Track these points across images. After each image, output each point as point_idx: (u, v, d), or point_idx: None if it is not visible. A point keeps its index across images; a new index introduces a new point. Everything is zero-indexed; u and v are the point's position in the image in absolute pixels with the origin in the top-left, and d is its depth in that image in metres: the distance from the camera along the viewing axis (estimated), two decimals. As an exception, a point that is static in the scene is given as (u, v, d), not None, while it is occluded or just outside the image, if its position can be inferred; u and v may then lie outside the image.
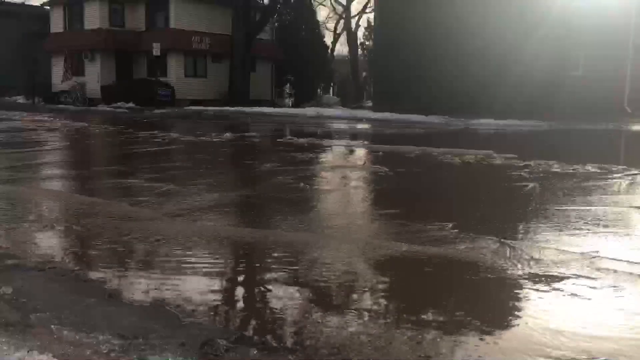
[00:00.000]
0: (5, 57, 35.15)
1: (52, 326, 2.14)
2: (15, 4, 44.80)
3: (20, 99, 33.58)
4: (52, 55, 33.91)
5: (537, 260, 3.15)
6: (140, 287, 2.70)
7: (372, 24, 37.38)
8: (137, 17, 32.36)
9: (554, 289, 2.70)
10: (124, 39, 31.47)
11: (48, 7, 35.51)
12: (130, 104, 27.68)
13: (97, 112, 23.96)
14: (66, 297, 2.50)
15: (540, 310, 2.49)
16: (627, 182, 6.32)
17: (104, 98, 29.77)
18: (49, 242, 3.59)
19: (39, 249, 3.37)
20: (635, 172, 6.89)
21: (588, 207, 4.72)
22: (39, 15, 36.19)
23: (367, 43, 46.40)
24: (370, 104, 32.25)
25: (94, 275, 2.87)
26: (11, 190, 5.26)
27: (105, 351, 1.97)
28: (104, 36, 31.01)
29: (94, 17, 31.72)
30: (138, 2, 32.13)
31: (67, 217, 4.27)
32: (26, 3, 46.86)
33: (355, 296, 2.68)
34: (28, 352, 1.91)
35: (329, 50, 45.81)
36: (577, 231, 3.90)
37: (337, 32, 49.18)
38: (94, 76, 31.46)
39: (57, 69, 33.09)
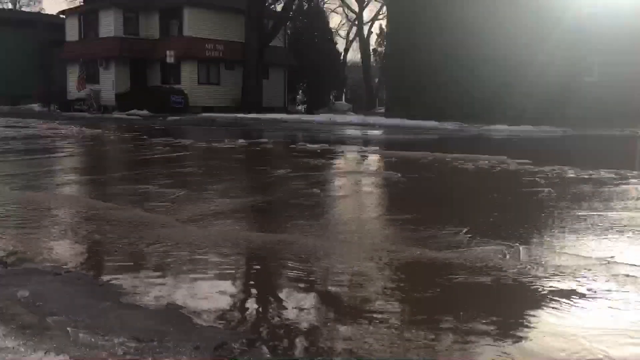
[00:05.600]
0: (21, 66, 35.63)
1: (68, 329, 2.16)
2: (31, 13, 45.51)
3: (36, 107, 34.00)
4: (67, 64, 34.30)
5: (552, 266, 3.13)
6: (154, 291, 2.72)
7: (385, 30, 37.45)
8: (151, 25, 32.67)
9: (568, 295, 2.68)
10: (138, 47, 31.78)
11: (63, 16, 35.95)
12: (144, 111, 27.91)
13: (112, 119, 24.17)
14: (82, 301, 2.52)
15: (554, 316, 2.47)
16: (643, 187, 6.26)
17: (119, 105, 30.06)
18: (65, 247, 3.62)
19: (55, 253, 3.40)
20: (651, 177, 6.82)
21: (603, 213, 4.68)
22: (55, 24, 36.66)
23: (379, 49, 46.46)
24: (382, 110, 32.25)
25: (110, 279, 2.89)
26: (28, 196, 5.32)
27: (120, 353, 1.99)
28: (118, 44, 31.34)
29: (108, 26, 32.08)
30: (152, 11, 32.45)
31: (82, 222, 4.30)
32: (42, 12, 47.59)
33: (369, 301, 2.67)
34: (45, 353, 1.93)
35: (341, 57, 45.93)
36: (592, 236, 3.87)
37: (350, 38, 49.34)
38: (109, 84, 31.77)
39: (73, 77, 33.47)
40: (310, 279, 2.96)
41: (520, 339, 2.24)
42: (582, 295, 2.67)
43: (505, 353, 2.08)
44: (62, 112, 30.31)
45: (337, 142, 13.19)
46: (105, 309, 2.42)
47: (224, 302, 2.62)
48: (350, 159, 9.98)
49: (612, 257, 3.27)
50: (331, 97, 42.50)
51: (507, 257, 3.29)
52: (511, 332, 2.28)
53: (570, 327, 2.34)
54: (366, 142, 14.81)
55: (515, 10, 20.83)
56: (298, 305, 2.58)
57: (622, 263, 3.15)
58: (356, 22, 47.02)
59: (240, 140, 12.29)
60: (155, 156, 9.67)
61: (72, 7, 35.77)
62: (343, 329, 2.30)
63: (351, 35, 49.40)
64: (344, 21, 49.94)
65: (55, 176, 7.16)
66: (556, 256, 3.33)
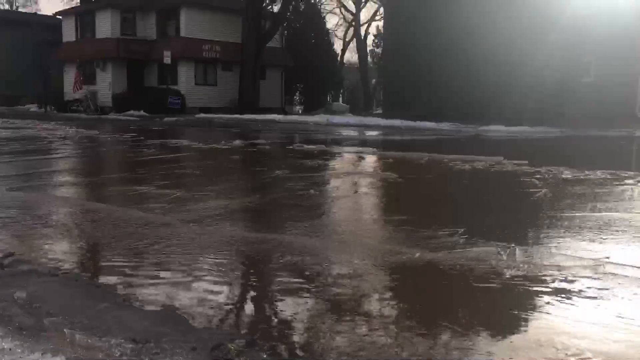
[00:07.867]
0: (18, 66, 35.58)
1: (65, 330, 2.16)
2: (27, 14, 45.43)
3: (33, 108, 33.93)
4: (64, 64, 34.24)
5: (548, 267, 3.14)
6: (151, 292, 2.72)
7: (382, 31, 37.48)
8: (148, 25, 32.64)
9: (565, 295, 2.69)
10: (135, 48, 31.73)
11: (60, 17, 35.88)
12: (141, 112, 27.88)
13: (109, 120, 24.14)
14: (79, 302, 2.53)
15: (550, 316, 2.48)
16: (638, 188, 6.28)
17: (116, 106, 30.01)
18: (62, 248, 3.62)
19: (52, 254, 3.40)
20: (647, 178, 6.84)
21: (599, 214, 4.69)
22: (51, 25, 36.60)
23: (376, 50, 46.49)
24: (380, 111, 32.28)
25: (107, 280, 2.90)
26: (25, 197, 5.32)
27: (117, 354, 1.99)
28: (115, 45, 31.27)
29: (105, 26, 32.02)
30: (149, 11, 32.41)
31: (79, 224, 4.30)
32: (38, 13, 47.52)
33: (365, 302, 2.68)
34: (41, 355, 1.93)
35: (339, 58, 45.96)
36: (588, 237, 3.88)
37: (347, 39, 49.34)
38: (106, 84, 31.72)
39: (69, 78, 33.40)
40: (307, 280, 2.97)
41: (514, 339, 2.25)
42: (576, 296, 2.68)
43: (499, 352, 2.09)
44: (58, 113, 30.25)
45: (334, 143, 13.20)
46: (102, 310, 2.42)
47: (221, 303, 2.63)
48: (347, 160, 9.99)
49: (607, 257, 3.29)
50: (328, 98, 42.51)
51: (503, 257, 3.30)
52: (505, 332, 2.29)
53: (564, 327, 2.35)
54: (363, 143, 14.82)
55: (512, 11, 20.88)
56: (295, 306, 2.59)
57: (617, 264, 3.17)
58: (353, 23, 47.03)
59: (237, 141, 12.29)
60: (152, 157, 9.66)
61: (68, 7, 35.68)
62: (339, 329, 2.30)
63: (348, 36, 49.40)
64: (341, 22, 49.91)
65: (52, 177, 7.15)
66: (552, 257, 3.34)
